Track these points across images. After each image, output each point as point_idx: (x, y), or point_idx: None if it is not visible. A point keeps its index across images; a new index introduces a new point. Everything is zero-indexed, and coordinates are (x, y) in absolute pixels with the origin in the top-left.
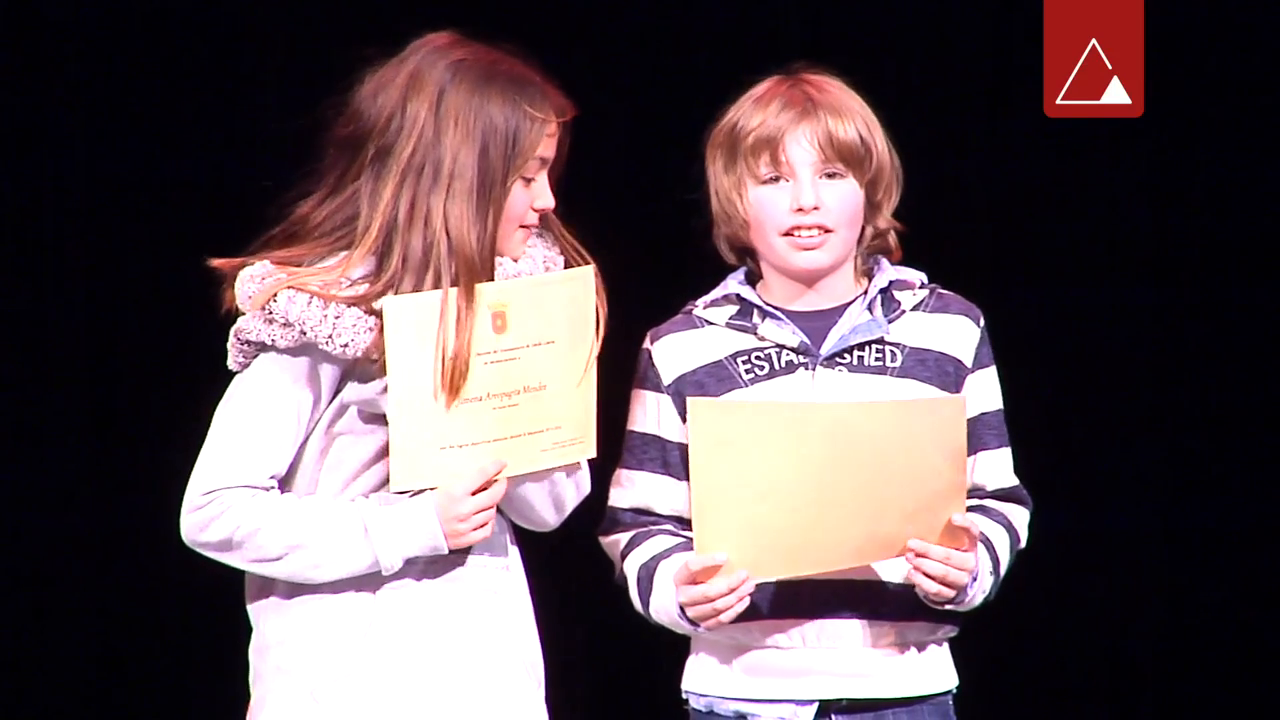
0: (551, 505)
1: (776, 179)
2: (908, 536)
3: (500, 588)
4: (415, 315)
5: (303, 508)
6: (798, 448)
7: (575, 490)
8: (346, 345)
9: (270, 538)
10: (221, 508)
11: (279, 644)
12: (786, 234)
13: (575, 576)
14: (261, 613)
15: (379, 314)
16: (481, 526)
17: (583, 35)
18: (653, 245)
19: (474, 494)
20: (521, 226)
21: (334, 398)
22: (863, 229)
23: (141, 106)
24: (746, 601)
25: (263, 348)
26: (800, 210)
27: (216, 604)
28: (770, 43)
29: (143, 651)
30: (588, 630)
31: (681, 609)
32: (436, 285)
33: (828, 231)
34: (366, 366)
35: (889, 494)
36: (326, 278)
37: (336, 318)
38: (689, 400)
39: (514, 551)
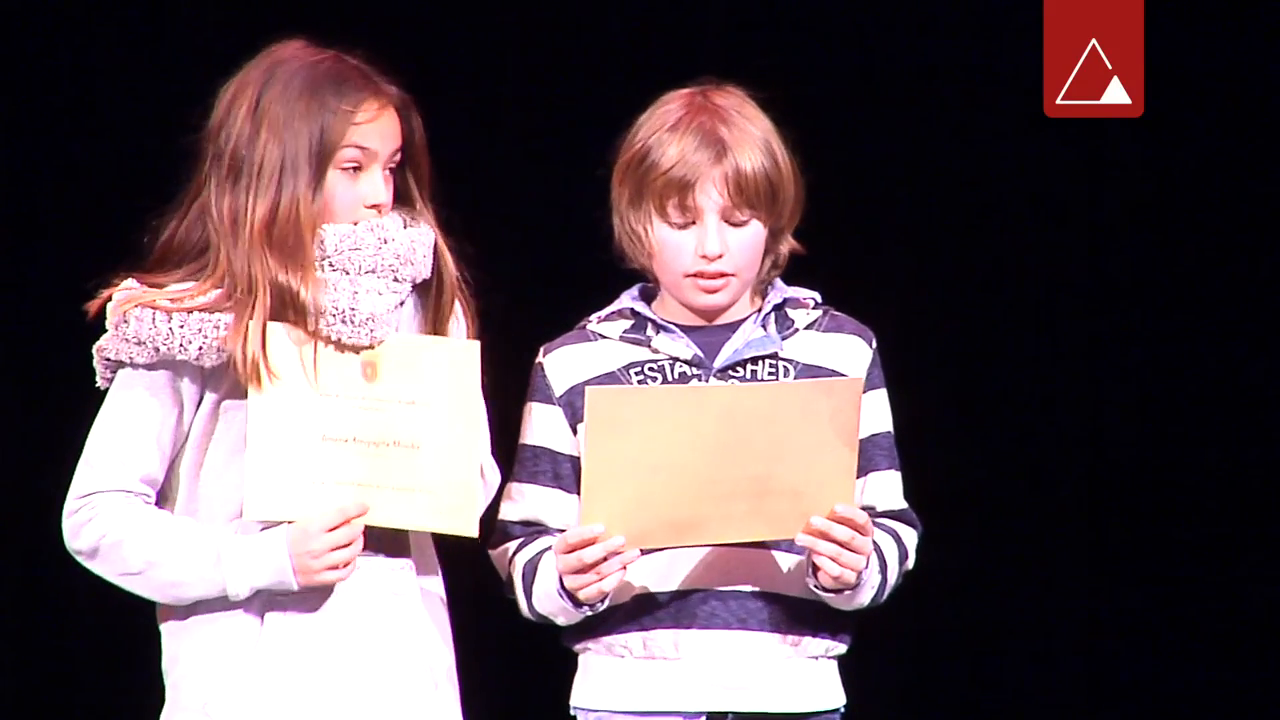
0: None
1: (684, 225)
2: (797, 514)
3: (400, 589)
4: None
5: (166, 526)
6: (692, 430)
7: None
8: (201, 349)
9: (132, 550)
10: (92, 513)
11: (174, 660)
12: (690, 275)
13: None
14: (165, 629)
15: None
16: (336, 567)
17: (486, 37)
18: (552, 262)
19: (330, 531)
20: (354, 224)
21: (198, 408)
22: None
23: (42, 121)
24: (625, 572)
25: (121, 365)
26: (705, 257)
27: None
28: (746, 41)
29: (60, 668)
30: (473, 647)
31: (562, 584)
32: (252, 289)
33: (729, 275)
34: (228, 372)
35: (780, 471)
36: (180, 292)
37: (181, 326)
38: (587, 389)
39: (422, 553)
